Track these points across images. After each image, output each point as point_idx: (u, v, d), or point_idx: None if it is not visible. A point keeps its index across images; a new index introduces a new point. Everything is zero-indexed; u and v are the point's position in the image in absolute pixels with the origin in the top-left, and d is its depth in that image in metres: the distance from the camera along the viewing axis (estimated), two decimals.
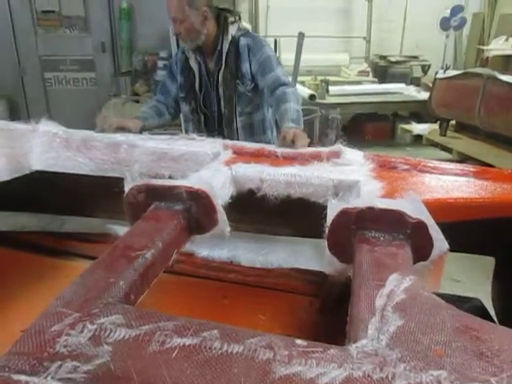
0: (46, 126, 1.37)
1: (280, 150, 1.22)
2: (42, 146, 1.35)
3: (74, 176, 1.33)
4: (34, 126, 1.36)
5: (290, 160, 1.17)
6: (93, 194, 1.51)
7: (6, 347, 0.50)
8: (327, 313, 1.14)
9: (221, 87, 2.02)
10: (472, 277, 2.69)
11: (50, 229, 1.59)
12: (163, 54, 5.00)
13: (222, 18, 1.99)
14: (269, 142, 2.08)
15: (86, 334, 0.52)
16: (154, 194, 0.87)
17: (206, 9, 1.90)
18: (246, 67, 1.97)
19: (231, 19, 2.00)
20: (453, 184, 1.07)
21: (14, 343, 0.51)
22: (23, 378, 0.43)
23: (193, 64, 2.05)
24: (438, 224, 0.76)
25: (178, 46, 4.39)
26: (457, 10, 6.09)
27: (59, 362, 0.48)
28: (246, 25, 2.01)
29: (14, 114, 5.15)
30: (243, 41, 1.95)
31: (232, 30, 1.96)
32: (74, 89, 5.41)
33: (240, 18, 2.04)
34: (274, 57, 1.98)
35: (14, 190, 1.34)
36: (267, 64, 1.91)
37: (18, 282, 1.31)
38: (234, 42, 1.96)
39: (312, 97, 5.27)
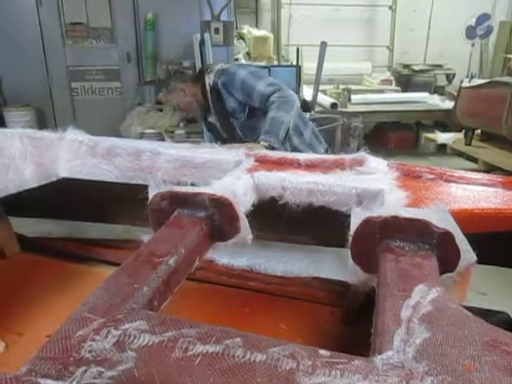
0: (73, 134, 1.40)
1: (302, 158, 1.22)
2: (69, 154, 1.37)
3: (99, 183, 1.36)
4: (61, 134, 1.39)
5: (312, 168, 1.17)
6: (117, 200, 1.53)
7: (31, 352, 0.51)
8: (349, 324, 1.12)
9: (222, 128, 2.15)
10: (498, 290, 2.61)
11: (75, 235, 1.63)
12: (186, 64, 5.07)
13: (199, 76, 2.14)
14: (295, 148, 2.10)
15: (110, 339, 0.52)
16: (178, 200, 0.88)
17: (179, 84, 2.11)
18: (231, 103, 2.06)
19: (207, 71, 2.13)
20: (480, 194, 1.05)
21: (40, 348, 0.51)
22: (49, 382, 0.43)
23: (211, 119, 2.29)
24: (465, 235, 0.74)
25: (201, 56, 4.46)
26: (483, 18, 6.01)
27: (84, 367, 0.48)
28: (217, 66, 2.15)
29: (41, 123, 5.28)
30: (219, 82, 2.05)
31: (209, 80, 2.08)
32: (99, 98, 5.53)
33: (209, 68, 2.16)
34: (249, 74, 2.01)
35: (42, 196, 1.37)
36: (245, 87, 1.98)
37: (43, 288, 1.34)
38: (214, 88, 2.07)
39: (334, 105, 5.27)
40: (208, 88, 2.09)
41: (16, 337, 1.16)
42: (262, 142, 1.69)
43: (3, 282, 1.40)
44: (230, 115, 2.10)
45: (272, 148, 1.73)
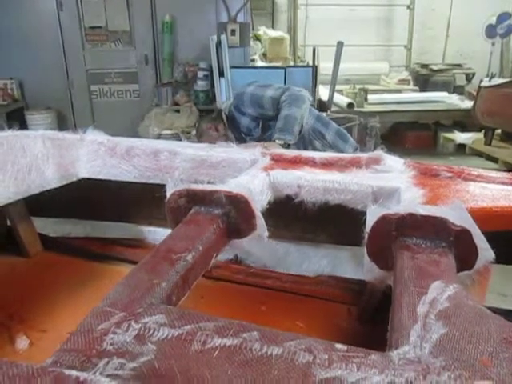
0: (93, 135, 1.42)
1: (318, 157, 1.22)
2: (89, 155, 1.40)
3: (118, 183, 1.38)
4: (81, 135, 1.42)
5: (328, 166, 1.17)
6: (135, 200, 1.56)
7: (54, 348, 0.53)
8: (366, 321, 1.12)
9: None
10: None
11: (94, 234, 1.66)
12: (203, 65, 5.11)
13: (218, 114, 2.20)
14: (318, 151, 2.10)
15: (131, 332, 0.54)
16: (195, 198, 0.89)
17: (208, 125, 2.18)
18: (245, 122, 2.09)
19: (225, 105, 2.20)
20: (499, 193, 1.03)
21: (65, 340, 0.53)
22: (74, 373, 0.45)
23: None
24: (484, 233, 0.74)
25: (217, 58, 4.49)
26: (504, 17, 5.89)
27: (106, 359, 0.49)
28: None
29: (62, 126, 5.38)
30: (232, 108, 2.10)
31: (225, 110, 2.15)
32: (117, 100, 5.60)
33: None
34: (256, 87, 2.03)
35: (62, 196, 1.40)
36: (254, 98, 2.00)
37: (65, 286, 1.37)
38: (230, 115, 2.12)
39: (350, 105, 5.24)
40: (224, 118, 2.14)
41: (39, 334, 1.19)
42: (277, 141, 1.70)
43: (27, 281, 1.43)
44: (245, 135, 2.12)
45: (288, 145, 1.73)
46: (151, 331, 0.54)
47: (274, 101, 1.91)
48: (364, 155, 1.18)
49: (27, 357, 1.09)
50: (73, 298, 1.29)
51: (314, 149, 2.12)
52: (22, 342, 1.14)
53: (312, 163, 1.19)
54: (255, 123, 2.05)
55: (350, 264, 1.16)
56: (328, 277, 1.23)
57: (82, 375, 0.44)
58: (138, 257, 0.86)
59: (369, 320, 1.10)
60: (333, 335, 1.08)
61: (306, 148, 1.98)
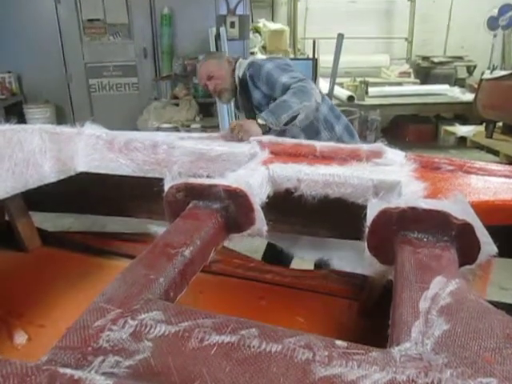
0: (91, 129, 1.41)
1: (319, 147, 1.20)
2: (87, 149, 1.39)
3: (118, 177, 1.37)
4: (79, 129, 1.40)
5: (328, 159, 1.16)
6: (134, 195, 1.55)
7: (52, 344, 0.52)
8: (367, 316, 1.11)
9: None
10: None
11: (93, 229, 1.65)
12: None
13: (234, 63, 2.12)
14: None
15: (127, 329, 0.53)
16: (193, 192, 0.88)
17: (228, 58, 2.12)
18: (257, 95, 2.02)
19: (237, 63, 2.12)
20: (501, 186, 1.02)
21: (59, 338, 0.52)
22: (68, 371, 0.44)
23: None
24: (486, 227, 0.73)
25: (217, 50, 4.45)
26: (505, 9, 5.85)
27: (102, 357, 0.49)
28: (247, 60, 2.14)
29: (60, 120, 5.36)
30: (248, 74, 2.03)
31: (238, 72, 2.08)
32: (116, 94, 5.58)
33: (239, 60, 2.15)
34: (276, 67, 1.96)
35: (61, 191, 1.39)
36: (270, 78, 1.93)
37: (64, 281, 1.36)
38: (243, 81, 2.06)
39: (350, 98, 5.22)
40: (237, 80, 2.07)
41: (38, 329, 1.18)
42: (259, 120, 1.61)
43: (25, 276, 1.43)
44: (255, 108, 2.06)
45: (268, 130, 1.65)
46: (148, 328, 0.53)
47: (284, 88, 1.85)
48: (364, 147, 1.17)
49: (25, 352, 1.09)
50: (71, 293, 1.28)
51: (321, 140, 2.06)
52: (20, 338, 1.14)
53: (312, 156, 1.17)
54: (266, 101, 2.00)
55: (350, 258, 1.15)
56: (328, 271, 1.22)
57: (77, 373, 0.43)
58: (137, 251, 0.85)
59: (370, 315, 1.10)
60: (333, 330, 1.08)
61: (310, 137, 1.92)
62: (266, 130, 1.62)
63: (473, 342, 0.49)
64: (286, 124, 1.71)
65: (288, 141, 1.31)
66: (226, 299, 1.24)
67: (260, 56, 5.55)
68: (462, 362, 0.46)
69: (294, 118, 1.71)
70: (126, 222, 1.68)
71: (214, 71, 2.07)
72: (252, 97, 2.04)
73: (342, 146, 1.23)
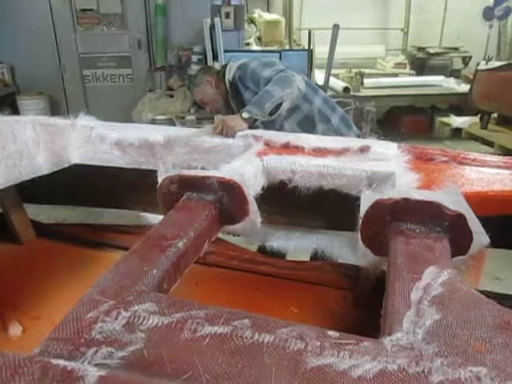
0: (84, 121, 1.40)
1: (311, 144, 1.19)
2: (81, 140, 1.38)
3: (112, 169, 1.36)
4: (72, 120, 1.39)
5: (321, 152, 1.15)
6: (128, 186, 1.54)
7: (47, 334, 0.52)
8: (361, 307, 1.12)
9: None
10: None
11: (88, 221, 1.65)
12: (197, 49, 5.03)
13: (221, 72, 2.10)
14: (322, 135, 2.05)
15: (120, 320, 0.53)
16: (187, 184, 0.88)
17: (206, 76, 2.09)
18: (248, 96, 2.01)
19: (227, 67, 2.10)
20: (494, 177, 1.03)
21: (52, 329, 0.52)
22: (61, 362, 0.44)
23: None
24: (479, 218, 0.73)
25: (211, 41, 4.42)
26: None
27: (95, 348, 0.49)
28: (237, 63, 2.12)
29: (54, 111, 5.31)
30: (236, 77, 2.03)
31: (228, 76, 2.06)
32: (111, 85, 5.52)
33: (229, 64, 2.14)
34: (259, 64, 1.97)
35: (56, 183, 1.38)
36: (254, 76, 1.94)
37: (58, 273, 1.36)
38: (233, 83, 2.05)
39: (346, 89, 5.20)
40: (228, 84, 2.08)
41: (32, 320, 1.18)
42: (243, 114, 1.59)
43: (20, 268, 1.43)
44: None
45: (254, 121, 1.65)
46: (141, 319, 0.53)
47: (267, 81, 1.87)
48: (354, 146, 1.15)
49: (20, 344, 1.09)
50: (66, 285, 1.28)
51: (317, 132, 2.06)
52: (15, 329, 1.14)
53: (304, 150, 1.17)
54: None
55: (344, 249, 1.16)
56: (323, 262, 1.23)
57: (70, 364, 0.43)
58: (131, 243, 0.86)
59: (363, 305, 1.10)
60: (327, 321, 1.09)
61: (307, 130, 1.92)
62: (252, 124, 1.62)
63: (463, 331, 0.50)
64: (271, 114, 1.71)
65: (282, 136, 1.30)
66: (222, 290, 1.24)
67: (255, 47, 5.52)
68: (452, 351, 0.47)
69: (279, 107, 1.72)
70: (120, 214, 1.68)
71: (202, 99, 2.11)
72: (244, 98, 2.05)
73: (332, 144, 1.20)
